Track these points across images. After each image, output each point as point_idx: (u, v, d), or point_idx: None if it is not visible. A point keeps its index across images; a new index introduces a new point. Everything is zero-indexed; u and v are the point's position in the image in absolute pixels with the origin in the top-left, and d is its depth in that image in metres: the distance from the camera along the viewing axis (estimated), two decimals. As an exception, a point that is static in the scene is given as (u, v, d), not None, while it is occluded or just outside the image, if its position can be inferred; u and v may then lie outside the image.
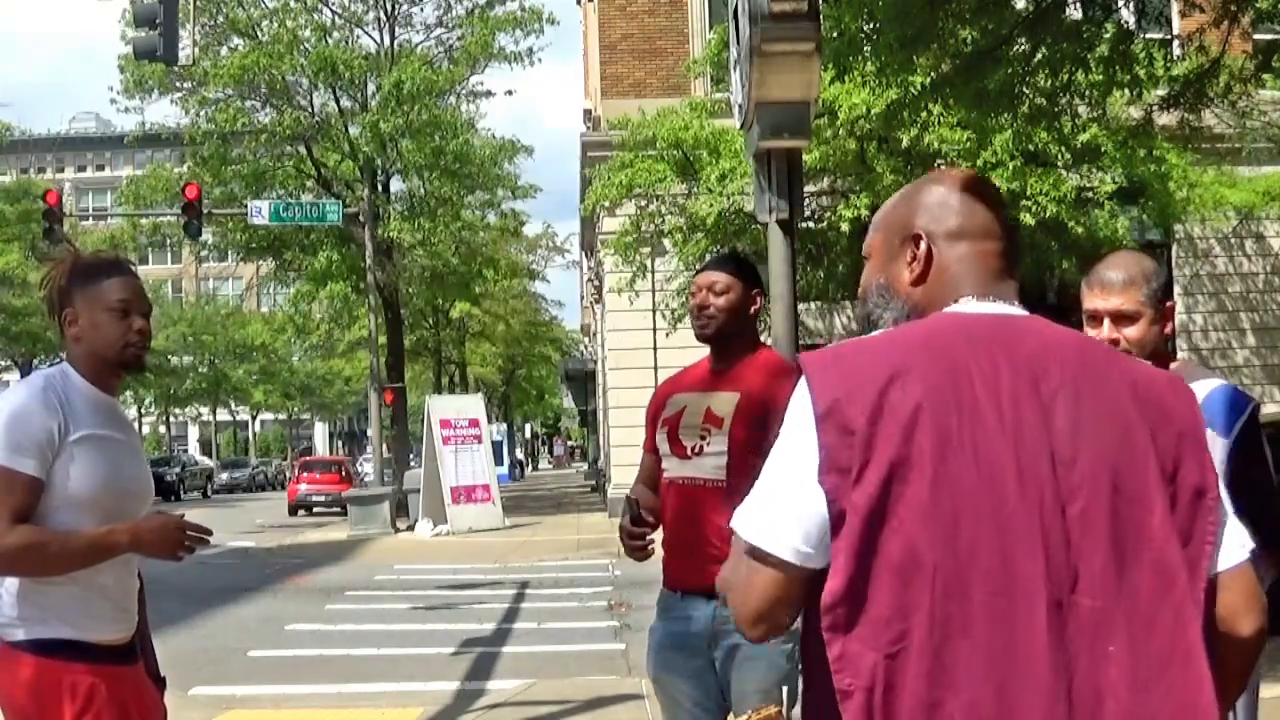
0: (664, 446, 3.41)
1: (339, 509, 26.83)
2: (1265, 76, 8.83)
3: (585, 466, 51.64)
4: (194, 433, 75.91)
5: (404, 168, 25.90)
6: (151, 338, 2.85)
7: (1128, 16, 9.17)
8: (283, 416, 73.64)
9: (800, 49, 5.07)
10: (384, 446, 25.86)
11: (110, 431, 2.75)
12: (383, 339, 26.67)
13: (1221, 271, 20.93)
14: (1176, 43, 11.24)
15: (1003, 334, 1.60)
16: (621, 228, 18.05)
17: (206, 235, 25.86)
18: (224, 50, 25.04)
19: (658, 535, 3.43)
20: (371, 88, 25.43)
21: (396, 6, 26.27)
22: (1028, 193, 14.56)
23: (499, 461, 34.48)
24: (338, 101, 25.70)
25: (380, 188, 26.03)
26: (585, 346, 46.17)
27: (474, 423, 22.54)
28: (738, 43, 5.61)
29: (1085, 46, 8.33)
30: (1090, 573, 1.49)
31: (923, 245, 1.70)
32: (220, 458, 62.27)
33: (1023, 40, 8.42)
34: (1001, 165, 14.34)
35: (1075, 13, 8.55)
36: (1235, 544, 1.62)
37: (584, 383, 40.92)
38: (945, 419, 1.51)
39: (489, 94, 36.04)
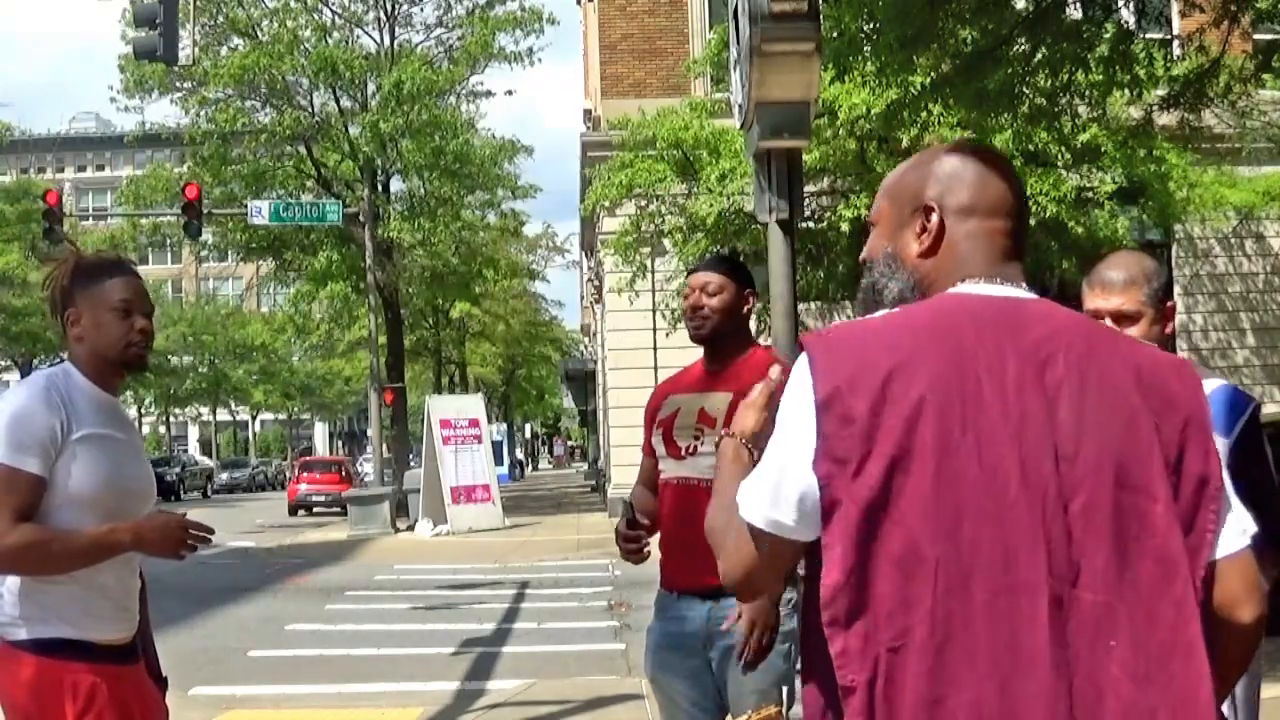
0: (660, 447, 3.43)
1: (339, 509, 26.82)
2: (1265, 76, 8.83)
3: (585, 466, 51.61)
4: (194, 433, 75.92)
5: (404, 168, 25.89)
6: (154, 337, 2.85)
7: (1128, 16, 9.17)
8: (283, 416, 73.64)
9: (800, 49, 5.06)
10: (384, 446, 25.85)
11: (112, 431, 2.75)
12: (383, 339, 26.66)
13: (1221, 271, 20.92)
14: (1176, 43, 11.24)
15: (1010, 319, 1.57)
16: (621, 228, 18.04)
17: (206, 235, 25.85)
18: (224, 50, 25.05)
19: (655, 538, 3.43)
20: (371, 88, 25.43)
21: (396, 6, 26.29)
22: (1028, 193, 14.52)
23: (499, 461, 34.46)
24: (338, 101, 25.70)
25: (380, 188, 26.02)
26: (585, 346, 46.15)
27: (474, 423, 22.55)
28: (738, 43, 5.60)
29: (1085, 46, 8.33)
30: (1092, 567, 1.49)
31: (934, 217, 1.66)
32: (220, 458, 62.26)
33: (1023, 40, 8.42)
34: (1001, 165, 14.32)
35: (1075, 13, 8.55)
36: (1235, 531, 1.61)
37: (584, 383, 40.90)
38: (949, 411, 1.49)
39: (489, 94, 36.15)
